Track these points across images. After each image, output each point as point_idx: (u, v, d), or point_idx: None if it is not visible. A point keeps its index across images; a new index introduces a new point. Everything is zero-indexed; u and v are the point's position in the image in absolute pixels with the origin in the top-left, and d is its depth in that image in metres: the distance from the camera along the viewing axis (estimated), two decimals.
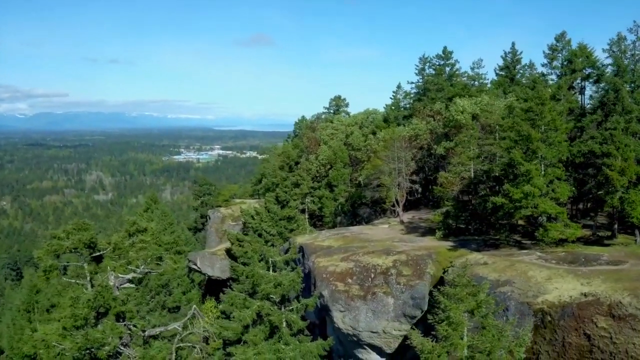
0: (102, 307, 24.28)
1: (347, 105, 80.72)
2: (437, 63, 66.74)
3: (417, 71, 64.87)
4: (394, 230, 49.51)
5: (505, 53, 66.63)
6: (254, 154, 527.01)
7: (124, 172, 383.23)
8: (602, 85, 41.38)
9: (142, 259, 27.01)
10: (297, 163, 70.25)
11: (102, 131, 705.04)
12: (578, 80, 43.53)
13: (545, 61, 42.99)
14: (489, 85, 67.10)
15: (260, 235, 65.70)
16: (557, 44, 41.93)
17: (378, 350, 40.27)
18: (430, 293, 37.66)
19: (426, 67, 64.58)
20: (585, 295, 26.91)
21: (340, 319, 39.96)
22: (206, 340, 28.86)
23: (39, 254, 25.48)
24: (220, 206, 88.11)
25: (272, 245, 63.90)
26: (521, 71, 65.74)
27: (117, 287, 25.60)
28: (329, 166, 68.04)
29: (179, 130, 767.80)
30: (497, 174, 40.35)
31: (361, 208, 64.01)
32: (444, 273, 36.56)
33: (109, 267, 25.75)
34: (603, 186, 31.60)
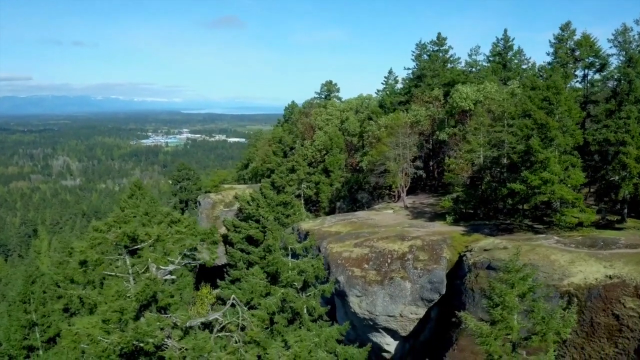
0: (150, 299, 24.15)
1: (338, 90, 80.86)
2: (432, 49, 67.42)
3: (413, 57, 65.45)
4: (399, 216, 50.35)
5: (497, 39, 67.86)
6: (223, 137, 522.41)
7: (91, 157, 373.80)
8: (604, 74, 42.82)
9: (179, 250, 26.87)
10: (292, 148, 70.18)
11: (67, 115, 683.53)
12: (580, 69, 44.85)
13: (551, 50, 44.08)
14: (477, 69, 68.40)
15: (257, 221, 65.80)
16: (563, 34, 43.06)
17: (392, 334, 41.30)
18: (448, 277, 38.96)
19: (423, 54, 65.16)
20: (610, 277, 28.29)
21: (357, 303, 40.73)
22: (243, 328, 29.06)
23: (81, 248, 25.04)
24: (209, 192, 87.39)
25: (271, 230, 64.25)
26: (512, 57, 67.18)
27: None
28: (324, 152, 68.28)
29: (146, 114, 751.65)
30: (506, 161, 41.53)
31: (359, 193, 64.67)
32: (462, 257, 37.68)
33: (149, 259, 25.55)
34: (618, 172, 32.97)
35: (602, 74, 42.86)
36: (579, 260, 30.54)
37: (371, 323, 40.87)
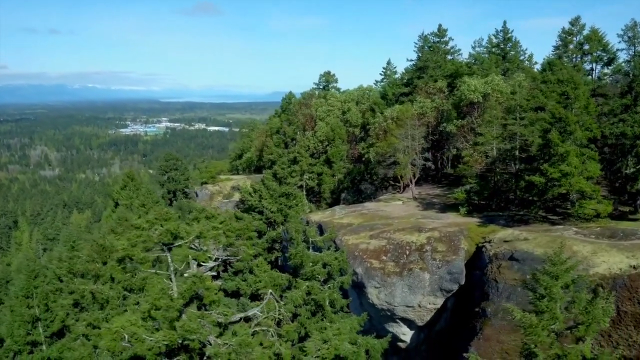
0: (194, 297, 24.20)
1: (336, 81, 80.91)
2: (432, 40, 67.88)
3: (416, 49, 65.79)
4: (409, 207, 50.97)
5: (496, 31, 68.69)
6: (203, 126, 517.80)
7: (69, 147, 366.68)
8: (612, 67, 43.83)
9: (216, 246, 26.91)
10: (292, 139, 70.15)
11: (44, 104, 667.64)
12: (587, 63, 45.81)
13: (559, 43, 44.90)
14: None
15: (261, 212, 65.81)
16: (572, 28, 43.91)
17: (409, 324, 42.09)
18: (466, 267, 39.77)
19: (425, 46, 65.56)
20: (634, 267, 29.34)
21: (375, 294, 41.34)
22: (279, 323, 29.34)
23: (122, 246, 24.88)
24: (206, 183, 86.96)
25: (274, 221, 64.35)
26: (510, 49, 68.10)
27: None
28: (326, 143, 68.44)
29: (124, 103, 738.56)
30: (518, 153, 42.36)
31: (362, 184, 65.13)
32: (480, 249, 38.46)
33: (190, 256, 25.53)
34: (635, 165, 34.00)
35: (609, 67, 43.89)
36: (601, 251, 31.54)
37: (389, 314, 41.55)
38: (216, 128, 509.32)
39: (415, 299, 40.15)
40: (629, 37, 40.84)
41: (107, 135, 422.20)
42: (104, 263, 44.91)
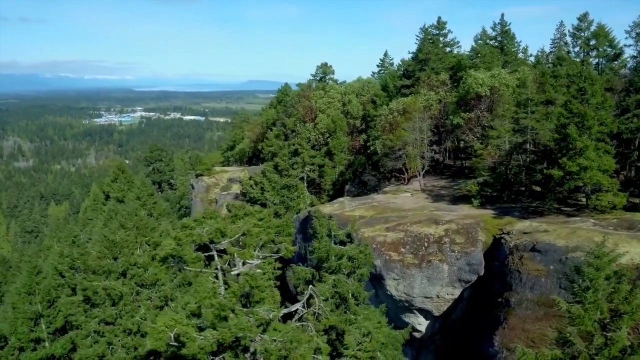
0: (244, 294, 24.36)
1: (333, 72, 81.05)
2: (433, 33, 68.53)
3: (418, 42, 66.33)
4: (419, 199, 51.74)
5: (494, 24, 69.70)
6: (179, 115, 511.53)
7: (43, 137, 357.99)
8: (617, 62, 45.17)
9: (258, 243, 27.04)
10: (292, 131, 70.19)
11: (15, 94, 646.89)
12: (593, 58, 47.06)
13: (570, 40, 46.09)
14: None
15: (263, 205, 65.83)
16: (581, 24, 45.04)
17: (425, 314, 43.04)
18: (484, 259, 40.79)
19: (426, 38, 66.14)
20: None
21: (394, 286, 42.10)
22: (317, 317, 29.72)
23: (170, 246, 24.80)
24: (202, 175, 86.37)
25: (277, 213, 64.53)
26: (508, 42, 69.28)
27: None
28: (327, 134, 68.70)
29: (98, 92, 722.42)
30: (530, 146, 43.43)
31: (364, 175, 65.69)
32: (499, 240, 39.45)
33: (235, 254, 25.65)
34: None
35: (615, 62, 45.23)
36: (622, 242, 32.76)
37: (406, 305, 42.39)
38: (192, 117, 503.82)
39: (434, 290, 41.06)
40: (637, 34, 42.13)
41: (81, 125, 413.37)
42: (115, 258, 44.51)
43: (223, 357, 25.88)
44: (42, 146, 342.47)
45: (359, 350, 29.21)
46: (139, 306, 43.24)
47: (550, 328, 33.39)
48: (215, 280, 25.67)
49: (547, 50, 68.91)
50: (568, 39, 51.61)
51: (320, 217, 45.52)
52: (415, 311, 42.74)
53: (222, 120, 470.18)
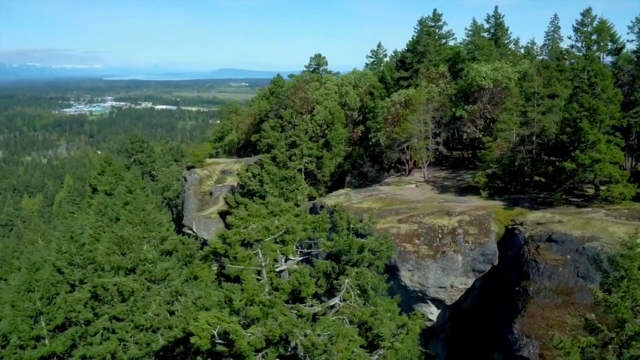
0: (296, 291, 24.64)
1: (326, 63, 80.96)
2: (429, 25, 69.14)
3: (415, 34, 66.79)
4: (425, 190, 52.53)
5: (488, 16, 70.76)
6: (150, 104, 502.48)
7: (12, 128, 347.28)
8: (618, 57, 46.64)
9: (296, 239, 27.29)
10: (289, 123, 70.06)
11: None
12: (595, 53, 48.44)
13: (573, 35, 47.32)
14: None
15: (262, 197, 65.65)
16: (584, 19, 46.27)
17: (437, 303, 44.01)
18: (498, 248, 41.89)
19: (423, 31, 66.67)
20: None
21: (409, 277, 42.87)
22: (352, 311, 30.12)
23: (217, 244, 24.78)
24: (194, 167, 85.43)
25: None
26: (502, 35, 70.47)
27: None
28: (325, 126, 68.87)
29: (66, 82, 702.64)
30: (536, 139, 44.61)
31: (363, 167, 66.25)
32: (513, 230, 40.56)
33: (278, 251, 25.84)
34: None
35: (616, 57, 46.71)
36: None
37: (420, 295, 43.25)
38: (164, 107, 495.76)
39: (448, 280, 42.01)
40: (639, 29, 43.56)
41: (50, 115, 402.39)
42: (123, 254, 44.08)
43: (266, 353, 26.16)
44: (12, 137, 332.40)
45: (395, 342, 29.80)
46: (150, 302, 42.98)
47: (569, 315, 34.78)
48: (259, 277, 25.82)
49: (540, 42, 70.58)
50: (562, 32, 53.03)
51: (340, 210, 45.87)
52: (428, 301, 43.63)
53: (194, 109, 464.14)
